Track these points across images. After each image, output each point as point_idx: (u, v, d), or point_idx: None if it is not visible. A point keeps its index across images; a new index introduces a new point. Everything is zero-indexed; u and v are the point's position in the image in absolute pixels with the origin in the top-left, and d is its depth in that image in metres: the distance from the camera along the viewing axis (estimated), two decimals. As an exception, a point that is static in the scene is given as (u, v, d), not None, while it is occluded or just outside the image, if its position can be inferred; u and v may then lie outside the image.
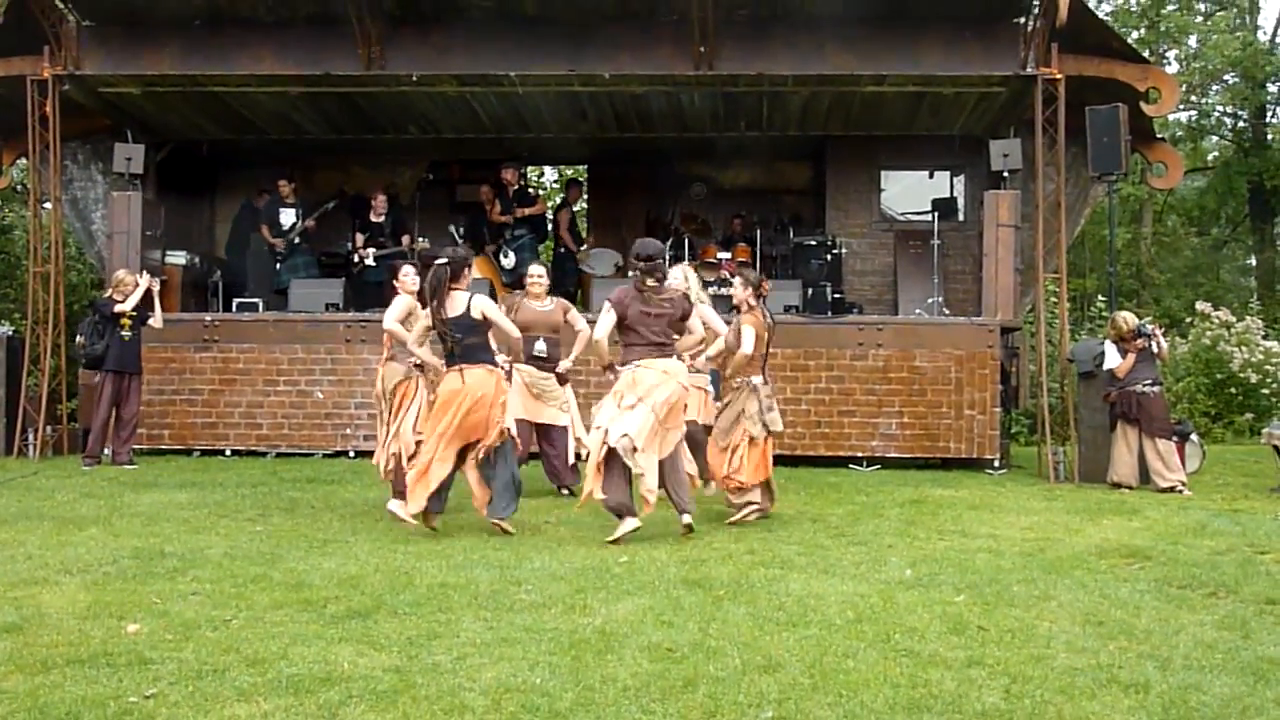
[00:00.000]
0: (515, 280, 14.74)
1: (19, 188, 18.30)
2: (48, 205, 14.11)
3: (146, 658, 4.79)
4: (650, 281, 7.94)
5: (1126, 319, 11.47)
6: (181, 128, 15.18)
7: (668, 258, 14.67)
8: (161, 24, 13.33)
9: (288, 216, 15.08)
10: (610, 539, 7.60)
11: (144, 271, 12.65)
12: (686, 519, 7.86)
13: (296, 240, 15.02)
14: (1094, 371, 11.75)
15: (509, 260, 14.79)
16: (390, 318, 8.81)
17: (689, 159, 16.68)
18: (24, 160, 14.46)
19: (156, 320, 12.43)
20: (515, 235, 15.01)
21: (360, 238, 15.01)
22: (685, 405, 8.17)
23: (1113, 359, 11.31)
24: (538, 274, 10.18)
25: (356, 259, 14.94)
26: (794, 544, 7.68)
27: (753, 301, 8.79)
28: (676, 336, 8.09)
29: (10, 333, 14.36)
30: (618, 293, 8.04)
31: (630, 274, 8.26)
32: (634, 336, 7.91)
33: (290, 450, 13.15)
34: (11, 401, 13.18)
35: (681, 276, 9.31)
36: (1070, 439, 12.21)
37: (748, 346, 8.47)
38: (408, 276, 9.16)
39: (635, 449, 7.57)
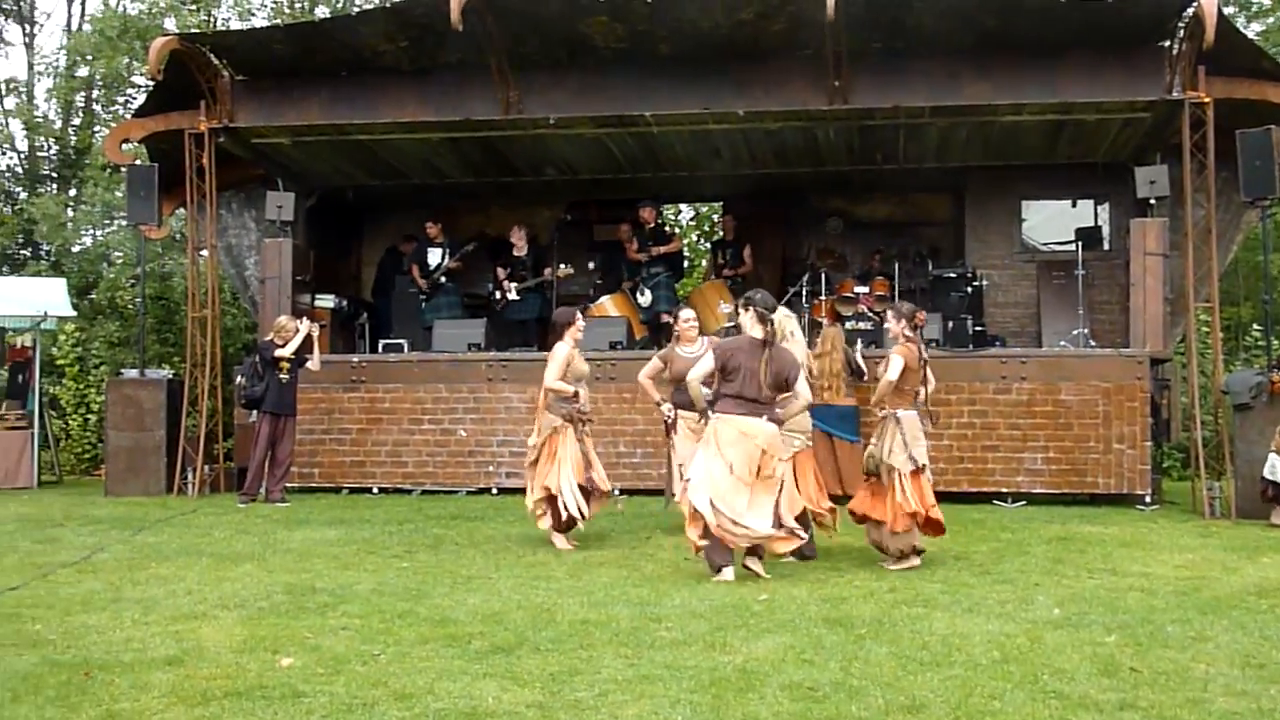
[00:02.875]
0: (652, 318, 14.86)
1: (177, 236, 19.04)
2: (205, 253, 14.70)
3: (300, 691, 4.94)
4: (771, 334, 7.87)
5: None
6: (329, 175, 15.70)
7: (805, 292, 14.71)
8: (309, 76, 13.80)
9: (434, 257, 15.47)
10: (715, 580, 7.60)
11: (305, 317, 13.06)
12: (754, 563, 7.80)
13: (442, 280, 15.38)
14: (1250, 403, 11.35)
15: (645, 298, 14.91)
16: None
17: (825, 193, 16.62)
18: (182, 210, 15.07)
19: (315, 363, 12.82)
20: (652, 273, 15.09)
21: (502, 272, 15.28)
22: (771, 459, 7.75)
23: None
24: (688, 318, 9.94)
25: (499, 294, 15.20)
26: (937, 582, 7.57)
27: (909, 333, 8.58)
28: (775, 395, 7.81)
29: (170, 375, 14.94)
30: (726, 342, 7.96)
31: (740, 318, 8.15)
32: (729, 388, 7.72)
33: (435, 488, 13.40)
34: (171, 442, 13.66)
35: (780, 316, 8.68)
36: (1226, 473, 11.79)
37: (892, 373, 8.31)
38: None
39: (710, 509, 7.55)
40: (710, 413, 7.85)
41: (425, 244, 15.64)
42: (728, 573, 7.61)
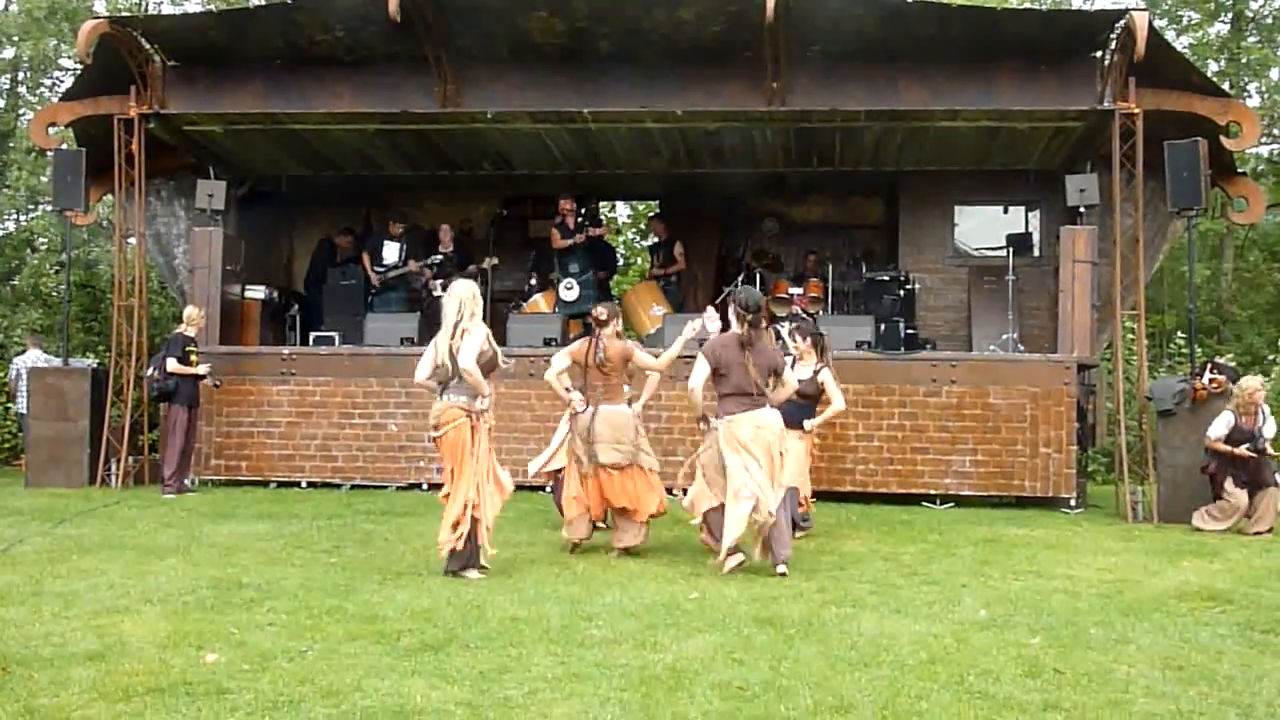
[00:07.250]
0: (575, 314, 14.66)
1: (104, 223, 18.71)
2: (132, 240, 14.44)
3: (225, 688, 4.86)
4: (751, 332, 7.96)
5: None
6: (262, 165, 15.50)
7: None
8: (243, 64, 13.61)
9: (390, 252, 15.26)
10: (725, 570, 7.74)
11: (212, 373, 13.06)
12: (782, 569, 7.84)
13: (392, 277, 15.22)
14: (1173, 410, 11.56)
15: (571, 293, 14.71)
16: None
17: (761, 194, 16.70)
18: (110, 196, 14.80)
19: (204, 377, 12.98)
20: (580, 268, 14.95)
21: (429, 272, 15.14)
22: (782, 454, 8.04)
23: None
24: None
25: (425, 292, 15.04)
26: (866, 582, 7.63)
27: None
28: (767, 386, 8.00)
29: (95, 365, 14.66)
30: (711, 342, 8.11)
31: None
32: (727, 386, 7.92)
33: (364, 483, 13.29)
34: (95, 432, 13.43)
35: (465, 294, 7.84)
36: (1149, 478, 12.00)
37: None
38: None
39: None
40: (713, 419, 8.03)
41: (383, 236, 15.43)
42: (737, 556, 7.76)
